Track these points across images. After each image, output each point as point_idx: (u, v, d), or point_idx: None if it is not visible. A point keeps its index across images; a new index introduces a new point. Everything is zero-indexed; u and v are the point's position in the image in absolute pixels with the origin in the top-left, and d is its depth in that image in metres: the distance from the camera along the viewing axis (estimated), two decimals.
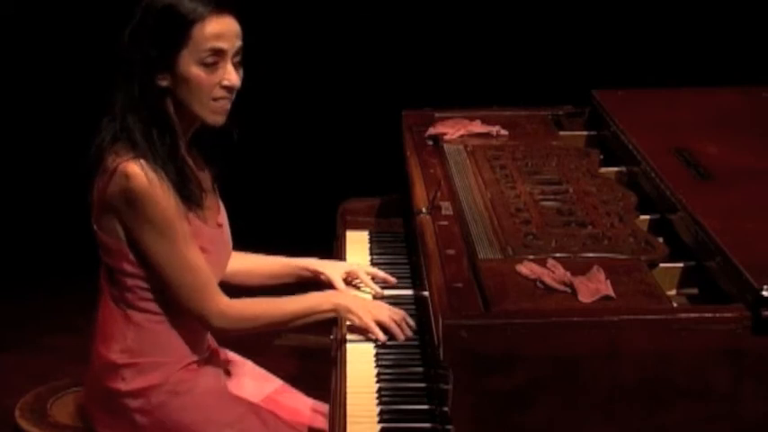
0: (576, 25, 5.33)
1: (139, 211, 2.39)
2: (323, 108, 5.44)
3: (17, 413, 3.12)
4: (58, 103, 5.38)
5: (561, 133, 3.19)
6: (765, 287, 1.98)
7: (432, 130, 3.13)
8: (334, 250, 3.04)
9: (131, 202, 2.39)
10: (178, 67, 2.41)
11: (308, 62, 5.35)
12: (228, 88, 2.44)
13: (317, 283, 2.80)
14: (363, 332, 2.56)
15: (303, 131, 5.46)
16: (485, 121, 3.15)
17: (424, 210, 2.63)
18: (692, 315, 2.01)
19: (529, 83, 4.96)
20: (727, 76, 3.50)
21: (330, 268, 2.81)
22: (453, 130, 3.10)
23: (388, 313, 2.55)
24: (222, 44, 2.42)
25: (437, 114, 3.26)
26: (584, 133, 3.25)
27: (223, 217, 2.62)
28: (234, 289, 2.61)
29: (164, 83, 2.43)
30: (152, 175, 2.38)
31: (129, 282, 2.49)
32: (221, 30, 2.41)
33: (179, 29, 2.39)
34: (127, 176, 2.38)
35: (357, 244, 3.07)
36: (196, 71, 2.41)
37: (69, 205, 5.19)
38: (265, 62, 3.00)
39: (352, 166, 5.21)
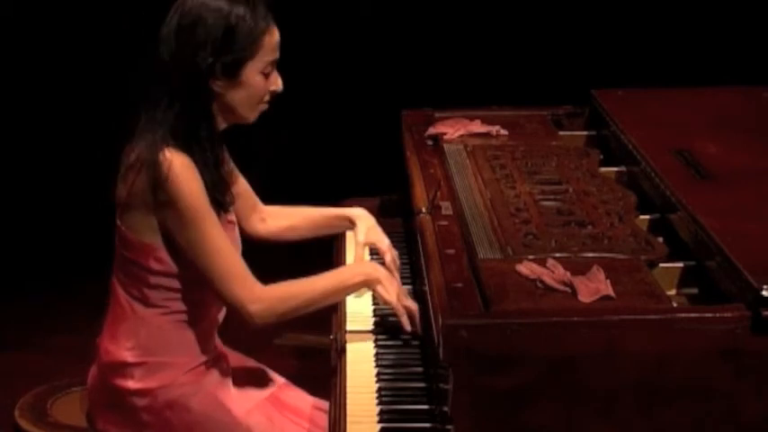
0: (576, 25, 5.33)
1: (170, 197, 2.38)
2: (323, 108, 5.44)
3: (17, 413, 3.13)
4: (57, 103, 5.38)
5: (561, 133, 3.19)
6: (765, 287, 1.98)
7: (432, 130, 3.12)
8: (334, 250, 3.04)
9: (162, 188, 2.38)
10: (243, 76, 2.45)
11: (308, 62, 5.35)
12: (275, 93, 2.52)
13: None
14: (365, 327, 2.58)
15: (303, 131, 5.46)
16: (485, 120, 3.15)
17: (424, 210, 2.63)
18: (692, 315, 2.01)
19: (529, 83, 4.96)
20: (727, 76, 3.50)
21: (362, 227, 2.81)
22: (453, 129, 3.10)
23: (412, 302, 2.55)
24: (277, 54, 2.50)
25: (437, 114, 3.26)
26: (584, 133, 3.25)
27: (233, 214, 2.63)
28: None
29: (217, 88, 2.45)
30: (182, 159, 2.39)
31: (153, 280, 2.48)
32: (278, 40, 2.49)
33: (251, 41, 2.43)
34: (157, 163, 2.38)
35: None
36: (258, 79, 2.47)
37: (69, 205, 5.25)
38: None
39: (352, 165, 5.21)
